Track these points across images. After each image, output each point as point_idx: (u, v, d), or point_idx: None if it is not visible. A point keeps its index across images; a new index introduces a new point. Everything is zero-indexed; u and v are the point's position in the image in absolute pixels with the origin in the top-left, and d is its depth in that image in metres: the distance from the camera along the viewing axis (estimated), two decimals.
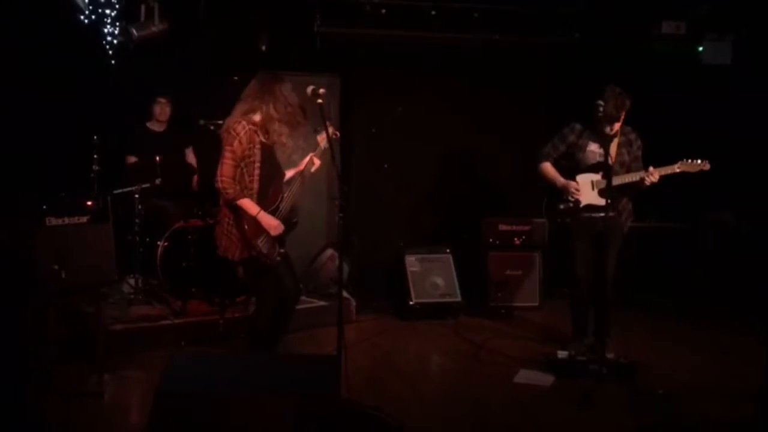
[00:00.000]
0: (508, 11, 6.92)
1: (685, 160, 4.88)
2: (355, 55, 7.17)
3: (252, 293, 4.47)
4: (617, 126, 4.92)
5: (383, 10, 6.72)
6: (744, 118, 7.08)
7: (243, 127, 4.13)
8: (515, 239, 6.81)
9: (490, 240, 6.79)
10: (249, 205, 4.17)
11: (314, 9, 6.66)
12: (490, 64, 7.23)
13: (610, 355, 4.78)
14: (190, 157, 6.61)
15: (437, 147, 7.24)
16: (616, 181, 4.84)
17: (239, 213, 4.19)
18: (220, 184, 4.12)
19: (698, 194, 7.23)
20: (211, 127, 6.08)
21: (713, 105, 7.15)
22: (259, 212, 4.17)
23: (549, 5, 7.00)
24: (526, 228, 6.82)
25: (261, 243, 4.18)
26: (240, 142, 4.11)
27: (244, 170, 4.16)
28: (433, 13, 6.83)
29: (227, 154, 4.12)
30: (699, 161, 4.88)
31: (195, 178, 6.56)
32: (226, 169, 4.11)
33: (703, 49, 7.28)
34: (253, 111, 4.19)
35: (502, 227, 6.82)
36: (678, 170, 4.88)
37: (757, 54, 7.15)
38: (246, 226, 4.17)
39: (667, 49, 7.27)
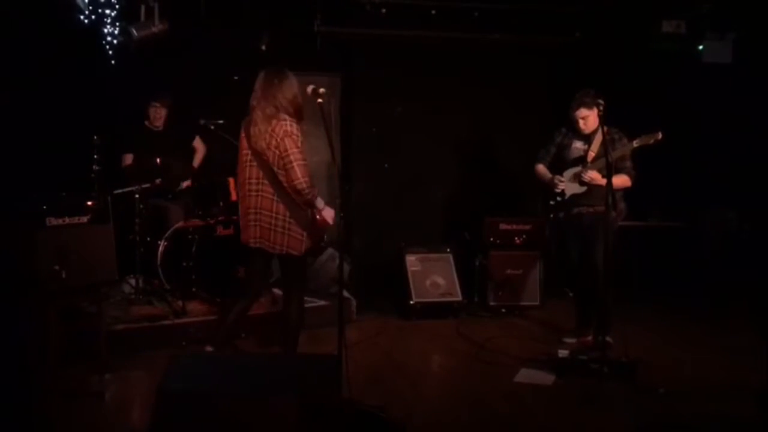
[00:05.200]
0: (508, 10, 6.92)
1: (641, 136, 4.99)
2: (355, 54, 7.18)
3: (289, 286, 4.49)
4: (583, 124, 5.21)
5: (384, 10, 6.72)
6: (744, 116, 7.07)
7: (293, 126, 4.21)
8: (516, 238, 6.80)
9: (491, 239, 6.79)
10: (320, 200, 4.34)
11: (315, 9, 6.65)
12: (490, 64, 7.23)
13: (611, 354, 4.80)
14: (198, 143, 6.60)
15: (437, 146, 7.24)
16: (593, 167, 5.16)
17: (298, 208, 4.26)
18: (303, 186, 4.16)
19: (700, 193, 7.24)
20: (212, 127, 6.10)
21: (713, 104, 7.15)
22: (324, 206, 4.36)
23: (549, 4, 7.00)
24: (527, 227, 6.81)
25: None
26: (300, 141, 4.20)
27: None
28: (434, 12, 6.83)
29: (298, 155, 4.16)
30: (652, 133, 4.94)
31: (198, 159, 6.59)
32: (303, 170, 4.16)
33: (703, 48, 7.27)
34: (281, 110, 4.24)
35: (503, 226, 6.82)
36: (636, 146, 5.03)
37: (757, 53, 7.14)
38: (318, 217, 4.35)
39: (668, 47, 7.26)
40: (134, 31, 6.08)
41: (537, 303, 6.75)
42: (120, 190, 5.78)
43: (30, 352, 4.46)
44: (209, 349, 4.47)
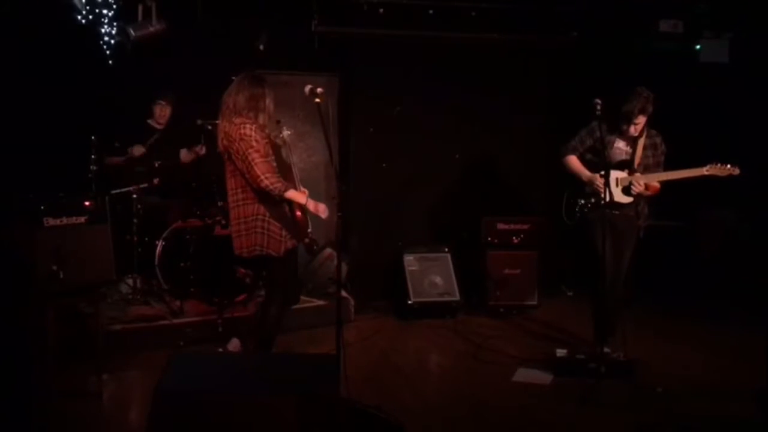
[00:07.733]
0: (506, 10, 6.92)
1: (714, 163, 4.77)
2: (353, 54, 7.16)
3: (271, 286, 4.45)
4: (634, 129, 4.88)
5: (381, 10, 6.71)
6: (741, 115, 7.08)
7: (250, 128, 4.17)
8: (514, 238, 6.80)
9: (489, 239, 6.79)
10: (296, 194, 4.24)
11: (312, 8, 6.65)
12: (488, 63, 7.23)
13: (617, 353, 4.82)
14: (185, 157, 6.56)
15: (435, 146, 7.23)
16: (642, 180, 4.86)
17: (278, 206, 4.21)
18: (266, 182, 4.09)
19: (698, 193, 7.24)
20: (209, 127, 6.09)
21: (711, 103, 7.15)
22: (307, 199, 4.26)
23: (547, 4, 7.00)
24: (525, 227, 6.81)
25: (310, 230, 4.33)
26: (256, 140, 4.14)
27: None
28: (431, 12, 6.82)
29: (254, 154, 4.11)
30: (728, 166, 4.76)
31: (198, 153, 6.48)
32: (261, 167, 4.11)
33: (700, 48, 7.28)
34: (237, 111, 4.23)
35: (501, 226, 6.81)
36: (706, 173, 4.78)
37: (754, 52, 7.15)
38: (299, 214, 4.26)
39: (665, 47, 7.27)
40: (132, 31, 6.07)
41: (535, 303, 6.74)
42: (117, 190, 5.78)
43: (28, 352, 4.46)
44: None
